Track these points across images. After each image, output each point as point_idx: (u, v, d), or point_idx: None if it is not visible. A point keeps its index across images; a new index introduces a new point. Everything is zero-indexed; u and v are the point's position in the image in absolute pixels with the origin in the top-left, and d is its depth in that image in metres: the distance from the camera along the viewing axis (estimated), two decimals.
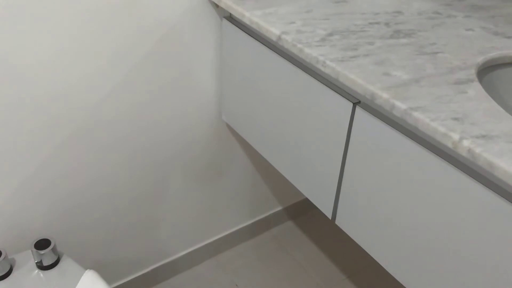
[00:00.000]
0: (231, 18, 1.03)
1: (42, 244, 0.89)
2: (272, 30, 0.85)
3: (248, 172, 1.39)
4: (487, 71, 0.76)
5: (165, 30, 1.00)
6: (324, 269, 1.45)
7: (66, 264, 0.90)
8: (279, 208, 1.54)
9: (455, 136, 0.56)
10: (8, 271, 0.88)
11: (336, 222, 0.86)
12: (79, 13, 0.88)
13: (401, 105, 0.63)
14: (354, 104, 0.75)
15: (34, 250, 0.88)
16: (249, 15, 0.90)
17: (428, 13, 0.91)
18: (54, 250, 0.89)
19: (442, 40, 0.81)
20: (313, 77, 0.82)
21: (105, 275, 1.26)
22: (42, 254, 0.88)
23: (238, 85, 1.08)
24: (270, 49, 0.91)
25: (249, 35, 0.97)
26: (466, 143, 0.55)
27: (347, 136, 0.79)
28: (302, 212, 1.63)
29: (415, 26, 0.86)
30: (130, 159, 1.12)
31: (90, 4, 0.88)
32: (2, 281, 0.87)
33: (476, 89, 0.66)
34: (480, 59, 0.74)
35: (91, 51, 0.93)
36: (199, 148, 1.23)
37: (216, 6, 1.04)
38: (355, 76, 0.70)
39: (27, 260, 0.91)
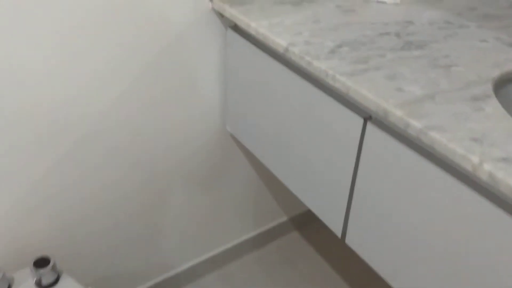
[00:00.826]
0: (236, 28, 1.01)
1: (41, 262, 0.87)
2: (279, 41, 0.82)
3: (252, 183, 1.36)
4: (503, 85, 0.73)
5: (169, 39, 0.98)
6: (330, 283, 1.42)
7: (66, 282, 0.88)
8: (284, 218, 1.51)
9: (475, 159, 0.53)
10: None
11: (346, 241, 0.83)
12: (85, 22, 0.86)
13: (416, 123, 0.60)
14: (365, 120, 0.72)
15: (33, 268, 0.85)
16: (255, 26, 0.87)
17: (439, 23, 0.88)
18: (54, 268, 0.87)
19: (455, 52, 0.78)
20: (322, 90, 0.79)
21: None
22: (41, 272, 0.85)
23: (243, 96, 1.05)
24: (277, 60, 0.89)
25: (255, 45, 0.94)
26: (487, 166, 0.52)
27: (357, 152, 0.76)
28: (307, 222, 1.60)
29: (427, 37, 0.83)
30: (131, 170, 1.09)
31: (95, 12, 0.86)
32: None
33: (493, 106, 0.63)
34: (496, 73, 0.72)
35: (94, 59, 0.90)
36: (202, 158, 1.20)
37: (221, 16, 1.01)
38: (366, 91, 0.67)
39: (26, 278, 0.89)
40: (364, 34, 0.84)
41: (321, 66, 0.74)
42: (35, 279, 0.87)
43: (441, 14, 0.92)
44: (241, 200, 1.37)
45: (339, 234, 0.84)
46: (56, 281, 0.88)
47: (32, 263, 0.86)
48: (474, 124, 0.60)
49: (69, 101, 0.92)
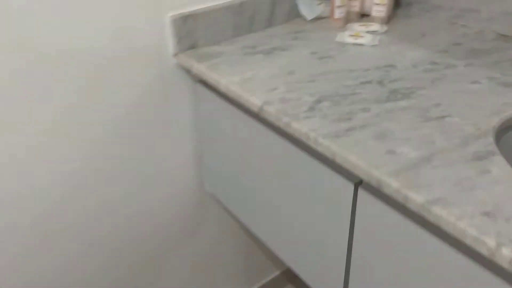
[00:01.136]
0: (206, 82, 0.93)
1: None
2: (253, 100, 0.74)
3: (239, 239, 1.26)
4: (505, 134, 0.66)
5: (134, 100, 0.89)
6: None
7: None
8: (276, 273, 1.41)
9: (491, 242, 0.45)
10: None
11: None
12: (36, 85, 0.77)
13: (416, 197, 0.52)
14: (356, 185, 0.64)
15: None
16: (225, 83, 0.79)
17: (424, 64, 0.82)
18: None
19: (446, 99, 0.71)
20: (305, 151, 0.71)
21: None
22: None
23: (219, 154, 0.97)
24: (252, 117, 0.81)
25: (227, 100, 0.86)
26: (506, 251, 0.44)
27: (351, 219, 0.67)
28: None
29: (413, 83, 0.76)
30: (102, 243, 0.99)
31: (54, 73, 0.77)
32: None
33: (500, 166, 0.56)
34: (495, 122, 0.64)
35: (54, 124, 0.81)
36: (183, 221, 1.10)
37: (188, 71, 0.94)
38: (354, 158, 0.59)
39: None
40: (344, 84, 0.77)
41: (301, 128, 0.66)
42: None
43: (424, 54, 0.86)
44: (230, 258, 1.27)
45: None
46: None
47: None
48: (483, 192, 0.52)
49: (32, 170, 0.82)
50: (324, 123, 0.66)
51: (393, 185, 0.54)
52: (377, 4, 0.96)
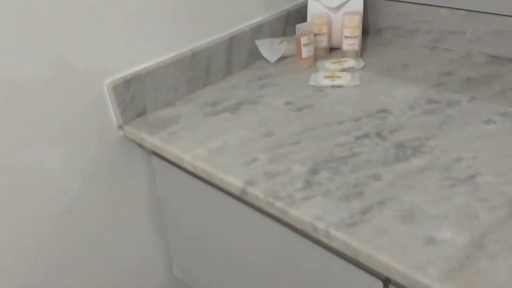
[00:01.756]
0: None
1: None
2: (230, 180, 0.58)
3: None
4: None
5: (76, 185, 0.71)
6: None
7: None
8: None
9: None
10: None
11: None
12: None
13: None
14: (385, 283, 0.50)
15: None
16: (190, 159, 0.63)
17: (420, 103, 0.70)
18: None
19: (465, 150, 0.58)
20: (312, 240, 0.56)
21: None
22: None
23: (187, 235, 0.79)
24: (230, 195, 0.65)
25: (191, 173, 0.70)
26: None
27: None
28: None
29: (418, 131, 0.63)
30: None
31: None
32: None
33: None
34: None
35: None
36: None
37: (139, 145, 0.77)
38: (386, 257, 0.44)
39: None
40: (337, 142, 0.63)
41: (302, 216, 0.51)
42: None
43: (416, 91, 0.73)
44: None
45: None
46: None
47: None
48: None
49: None
50: (330, 204, 0.52)
51: None
52: (348, 37, 0.84)
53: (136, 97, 0.72)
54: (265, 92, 0.78)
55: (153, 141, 0.68)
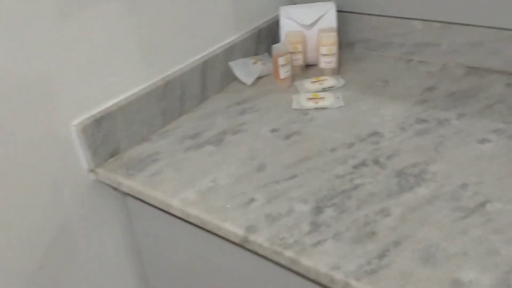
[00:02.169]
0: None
1: None
2: (228, 228, 0.53)
3: None
4: None
5: (45, 241, 0.63)
6: None
7: None
8: None
9: None
10: None
11: None
12: None
13: None
14: None
15: None
16: (179, 204, 0.57)
17: (410, 122, 0.68)
18: None
19: (467, 174, 0.56)
20: None
21: None
22: None
23: (175, 281, 0.73)
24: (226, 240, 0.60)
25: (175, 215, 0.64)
26: None
27: None
28: None
29: (415, 156, 0.60)
30: None
31: None
32: None
33: None
34: None
35: None
36: None
37: (114, 188, 0.69)
38: None
39: None
40: (335, 173, 0.59)
41: (316, 265, 0.47)
42: None
43: (402, 109, 0.71)
44: None
45: None
46: None
47: None
48: None
49: None
50: (343, 249, 0.48)
51: None
52: (325, 55, 0.81)
53: (108, 136, 0.65)
54: (247, 119, 0.73)
55: (132, 185, 0.61)
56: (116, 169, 0.64)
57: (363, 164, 0.61)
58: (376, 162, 0.61)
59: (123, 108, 0.66)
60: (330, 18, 0.83)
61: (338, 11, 0.89)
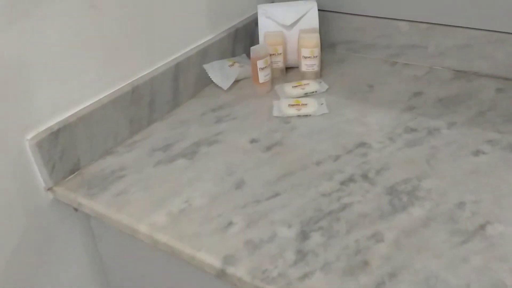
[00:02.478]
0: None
1: None
2: (203, 258, 0.47)
3: None
4: None
5: (3, 264, 0.55)
6: None
7: None
8: None
9: None
10: None
11: None
12: None
13: None
14: None
15: None
16: (147, 230, 0.50)
17: (399, 132, 0.63)
18: None
19: (463, 191, 0.52)
20: None
21: None
22: None
23: None
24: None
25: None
26: None
27: None
28: None
29: (406, 171, 0.56)
30: None
31: None
32: None
33: None
34: None
35: None
36: None
37: (75, 209, 0.62)
38: None
39: None
40: (320, 191, 0.54)
41: None
42: None
43: (389, 117, 0.66)
44: None
45: None
46: None
47: None
48: None
49: None
50: (333, 283, 0.43)
51: None
52: (307, 57, 0.75)
53: (67, 150, 0.58)
54: (224, 128, 0.67)
55: (94, 206, 0.54)
56: (76, 188, 0.57)
57: (351, 179, 0.55)
58: (365, 177, 0.56)
59: (84, 118, 0.59)
60: (311, 18, 0.78)
61: (319, 10, 0.84)
